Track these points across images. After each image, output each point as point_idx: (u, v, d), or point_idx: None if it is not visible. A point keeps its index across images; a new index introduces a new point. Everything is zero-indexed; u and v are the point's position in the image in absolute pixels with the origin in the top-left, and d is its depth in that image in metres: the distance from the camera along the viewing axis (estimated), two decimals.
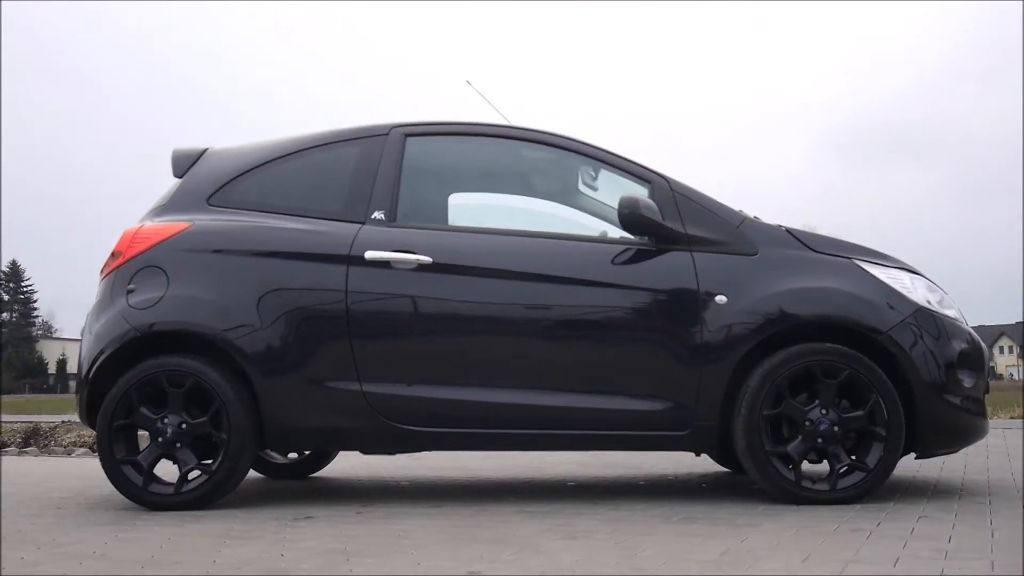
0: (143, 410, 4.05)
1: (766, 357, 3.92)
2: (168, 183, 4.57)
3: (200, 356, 4.07)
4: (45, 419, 11.70)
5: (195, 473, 4.05)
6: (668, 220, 4.07)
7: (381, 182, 4.24)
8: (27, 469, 6.76)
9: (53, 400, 36.38)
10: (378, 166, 4.27)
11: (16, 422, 11.24)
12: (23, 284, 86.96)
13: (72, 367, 77.03)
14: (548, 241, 4.17)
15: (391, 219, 4.17)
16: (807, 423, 3.86)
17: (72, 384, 72.34)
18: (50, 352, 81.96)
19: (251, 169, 4.40)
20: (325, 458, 5.56)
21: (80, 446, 8.78)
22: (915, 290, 4.07)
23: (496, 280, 4.06)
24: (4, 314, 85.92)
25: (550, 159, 4.62)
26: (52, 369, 79.66)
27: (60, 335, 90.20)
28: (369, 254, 4.05)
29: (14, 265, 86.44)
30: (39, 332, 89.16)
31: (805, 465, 3.94)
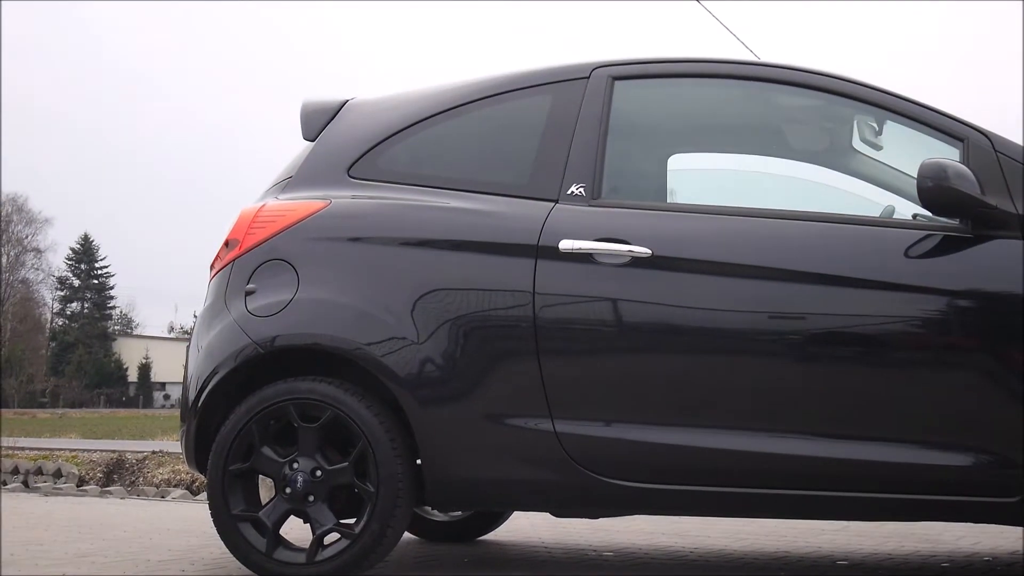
0: (266, 451, 4.18)
1: None
2: (296, 148, 4.70)
3: (340, 380, 4.17)
4: (130, 447, 12.35)
5: (333, 536, 4.15)
6: (991, 195, 3.90)
7: (580, 144, 4.23)
8: (114, 516, 7.13)
9: (136, 417, 38.40)
10: (576, 122, 4.26)
11: (95, 451, 11.91)
12: (98, 266, 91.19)
13: (158, 373, 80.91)
14: (812, 224, 4.07)
15: (594, 195, 4.15)
16: None
17: (157, 396, 76.25)
18: (130, 353, 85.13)
19: (405, 128, 4.47)
20: (498, 516, 5.62)
21: (175, 485, 9.25)
22: None
23: (739, 280, 3.99)
24: (74, 304, 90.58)
25: (814, 107, 4.54)
26: (132, 376, 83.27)
27: (142, 332, 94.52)
28: (565, 244, 4.05)
29: (86, 241, 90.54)
30: (116, 328, 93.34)
31: None
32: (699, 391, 3.99)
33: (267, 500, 4.21)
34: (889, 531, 5.86)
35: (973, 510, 3.92)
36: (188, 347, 4.55)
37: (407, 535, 5.44)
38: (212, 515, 4.22)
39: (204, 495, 4.78)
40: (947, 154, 4.03)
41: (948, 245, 3.93)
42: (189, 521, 6.60)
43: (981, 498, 3.85)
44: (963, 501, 3.88)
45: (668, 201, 4.61)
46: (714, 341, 4.00)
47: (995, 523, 4.04)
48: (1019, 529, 4.29)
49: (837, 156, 4.73)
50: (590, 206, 4.13)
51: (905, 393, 3.90)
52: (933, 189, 3.85)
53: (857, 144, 4.60)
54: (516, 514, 5.92)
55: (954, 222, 3.95)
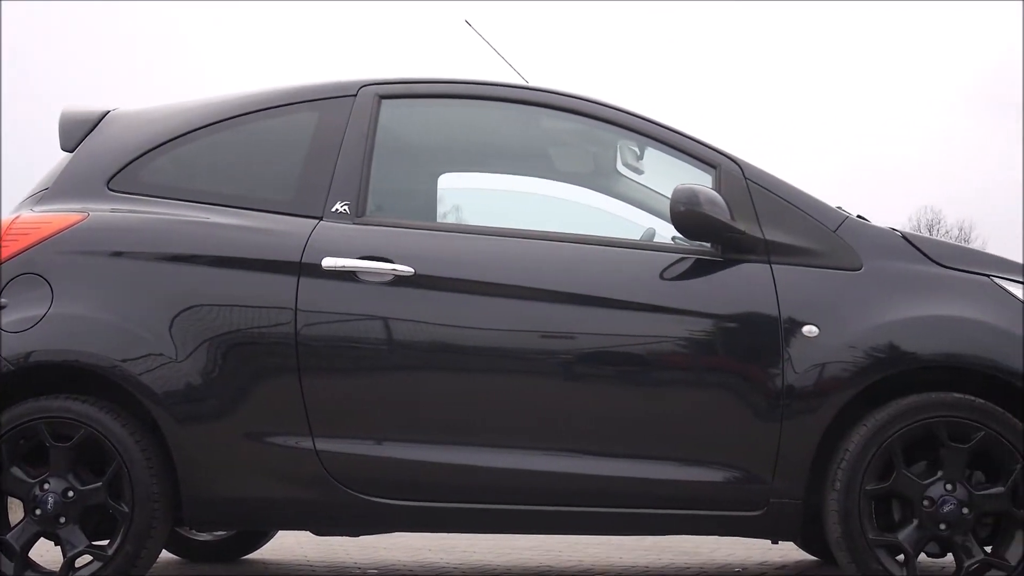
0: (15, 471, 4.04)
1: (872, 411, 3.91)
2: (55, 158, 4.56)
3: (95, 398, 4.06)
4: None
5: (86, 558, 4.04)
6: (740, 220, 4.05)
7: (345, 161, 4.22)
8: None
9: None
10: (342, 139, 4.26)
11: None
12: None
13: None
14: (573, 246, 4.15)
15: (359, 213, 4.16)
16: (925, 503, 3.84)
17: None
18: None
19: (168, 141, 4.38)
20: (263, 534, 5.56)
21: None
22: None
23: (501, 300, 4.04)
24: None
25: (579, 131, 4.64)
26: None
27: None
28: (328, 261, 4.04)
29: None
30: None
31: (922, 559, 3.92)
32: (461, 409, 4.02)
33: (16, 523, 4.08)
34: (649, 544, 6.02)
35: (724, 523, 4.05)
36: None
37: (168, 555, 5.33)
38: None
39: None
40: (701, 180, 4.17)
41: (699, 268, 4.06)
42: None
43: (731, 512, 3.98)
44: (715, 515, 4.00)
45: (438, 220, 4.65)
46: (476, 360, 4.04)
47: (744, 536, 4.19)
48: (766, 541, 4.46)
49: (601, 179, 4.83)
50: (354, 224, 4.12)
51: (661, 412, 4.01)
52: (685, 214, 3.97)
53: (620, 168, 4.72)
54: (281, 532, 5.87)
55: (706, 246, 4.09)
